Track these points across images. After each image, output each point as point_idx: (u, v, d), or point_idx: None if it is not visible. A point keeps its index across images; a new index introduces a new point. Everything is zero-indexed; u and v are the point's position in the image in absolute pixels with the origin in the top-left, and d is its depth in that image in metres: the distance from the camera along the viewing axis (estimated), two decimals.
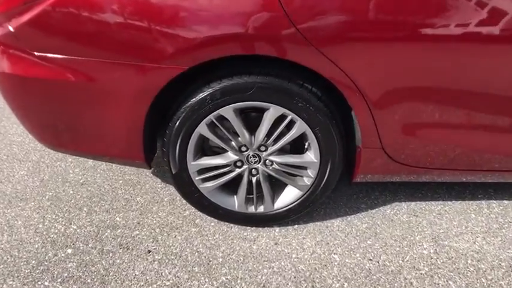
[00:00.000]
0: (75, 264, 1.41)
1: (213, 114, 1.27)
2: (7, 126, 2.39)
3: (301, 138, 1.38)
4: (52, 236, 1.54)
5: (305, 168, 1.43)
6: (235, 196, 1.49)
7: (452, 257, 1.45)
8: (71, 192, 1.79)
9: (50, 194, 1.78)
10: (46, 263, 1.42)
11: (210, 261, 1.41)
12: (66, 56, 1.21)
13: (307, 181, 1.44)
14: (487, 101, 1.24)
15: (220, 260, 1.42)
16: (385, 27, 1.12)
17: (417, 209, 1.70)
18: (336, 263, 1.41)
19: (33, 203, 1.72)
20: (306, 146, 1.41)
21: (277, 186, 1.50)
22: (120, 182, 1.84)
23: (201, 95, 1.24)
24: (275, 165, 1.41)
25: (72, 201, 1.73)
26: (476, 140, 1.35)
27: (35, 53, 1.24)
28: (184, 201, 1.70)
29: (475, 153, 1.39)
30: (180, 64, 1.16)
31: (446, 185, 1.84)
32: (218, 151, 1.45)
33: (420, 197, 1.77)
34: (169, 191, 1.77)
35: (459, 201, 1.75)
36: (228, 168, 1.41)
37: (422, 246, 1.50)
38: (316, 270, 1.38)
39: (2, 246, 1.50)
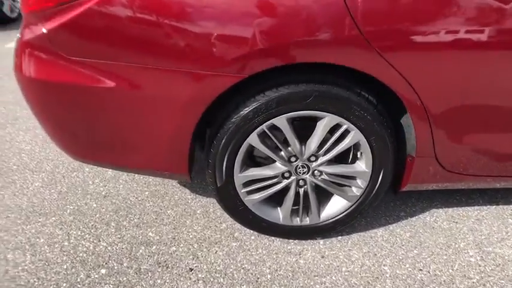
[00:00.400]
0: (111, 286, 1.31)
1: (265, 124, 1.20)
2: (13, 133, 2.23)
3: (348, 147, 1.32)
4: (81, 254, 1.43)
5: (354, 178, 1.37)
6: (279, 208, 1.42)
7: (499, 264, 1.43)
8: (94, 205, 1.67)
9: (71, 207, 1.66)
10: (79, 286, 1.31)
11: (258, 278, 1.34)
12: (108, 62, 1.11)
13: (356, 191, 1.38)
14: None
15: (269, 276, 1.34)
16: (448, 35, 1.08)
17: (455, 215, 1.67)
18: (387, 275, 1.37)
19: (54, 218, 1.60)
20: (357, 156, 1.35)
21: (322, 197, 1.44)
22: (147, 193, 1.74)
23: (255, 104, 1.16)
24: (324, 176, 1.35)
25: (97, 215, 1.61)
26: None
27: (71, 58, 1.13)
28: (218, 213, 1.62)
29: None
30: (240, 72, 1.07)
31: (479, 190, 1.83)
32: (262, 161, 1.37)
33: (456, 202, 1.75)
34: (200, 202, 1.68)
35: (494, 206, 1.73)
36: (275, 179, 1.34)
37: (468, 254, 1.47)
38: (369, 283, 1.33)
39: (26, 267, 1.37)
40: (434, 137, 1.26)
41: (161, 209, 1.64)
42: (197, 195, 1.72)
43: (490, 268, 1.41)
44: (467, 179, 1.42)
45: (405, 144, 1.35)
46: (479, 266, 1.42)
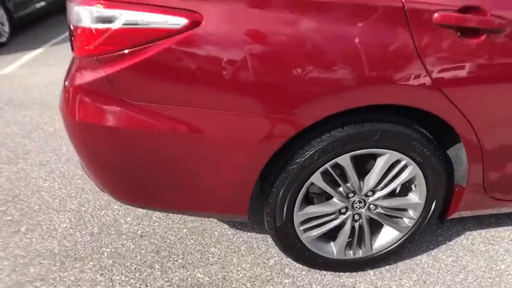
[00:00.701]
0: None
1: (329, 163, 1.20)
2: (27, 169, 2.12)
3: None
4: None
5: (406, 209, 1.40)
6: (332, 243, 1.42)
7: None
8: (132, 246, 1.60)
9: (108, 250, 1.58)
10: None
11: None
12: (176, 106, 1.08)
13: (408, 222, 1.41)
14: None
15: None
16: (504, 72, 1.14)
17: (489, 236, 1.73)
18: None
19: (92, 263, 1.52)
20: (410, 188, 1.38)
21: (373, 228, 1.45)
22: (185, 230, 1.69)
23: (321, 145, 1.16)
24: (379, 209, 1.37)
25: (138, 257, 1.55)
26: None
27: (135, 103, 1.09)
28: (263, 248, 1.59)
29: None
30: (314, 115, 1.08)
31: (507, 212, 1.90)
32: (315, 197, 1.37)
33: (487, 224, 1.81)
34: (242, 238, 1.65)
35: None
36: (333, 215, 1.34)
37: (511, 275, 1.52)
38: None
39: None
40: (484, 167, 1.31)
41: (204, 247, 1.60)
42: (237, 230, 1.69)
43: None
44: (509, 204, 1.48)
45: (453, 174, 1.39)
46: None
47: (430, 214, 1.39)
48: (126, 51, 1.03)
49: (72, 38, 1.15)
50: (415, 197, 1.36)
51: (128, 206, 1.82)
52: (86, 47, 1.07)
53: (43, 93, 3.18)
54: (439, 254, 1.62)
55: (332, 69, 1.03)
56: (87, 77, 1.11)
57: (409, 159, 1.25)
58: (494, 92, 1.16)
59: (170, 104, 1.08)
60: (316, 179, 1.23)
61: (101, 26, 1.03)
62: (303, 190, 1.24)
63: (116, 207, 1.82)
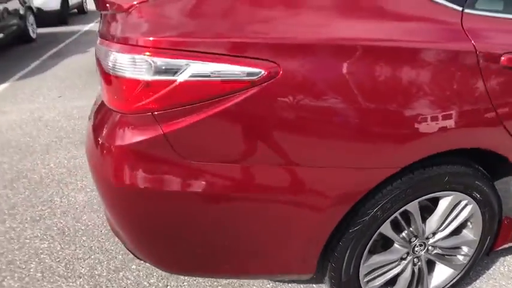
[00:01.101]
0: None
1: (399, 210, 1.14)
2: (17, 228, 1.84)
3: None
4: None
5: (460, 247, 1.36)
6: None
7: None
8: None
9: None
10: None
11: None
12: (244, 163, 0.96)
13: (463, 259, 1.37)
14: None
15: None
16: None
17: None
18: None
19: None
20: (465, 225, 1.35)
21: (428, 270, 1.40)
22: None
23: (394, 193, 1.09)
24: (437, 250, 1.32)
25: None
26: None
27: (195, 163, 0.96)
28: None
29: None
30: (394, 165, 1.01)
31: None
32: (374, 246, 1.30)
33: None
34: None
35: None
36: (396, 262, 1.27)
37: None
38: None
39: None
40: None
41: None
42: (277, 283, 1.56)
43: None
44: None
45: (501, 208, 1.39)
46: None
47: (483, 249, 1.36)
48: (191, 105, 0.91)
49: (108, 87, 1.00)
50: (470, 234, 1.33)
51: (147, 265, 1.63)
52: (140, 102, 0.93)
53: (18, 135, 2.86)
54: (483, 284, 1.60)
55: (420, 117, 0.98)
56: (139, 135, 0.96)
57: (470, 198, 1.23)
58: None
59: (240, 162, 0.96)
60: (385, 228, 1.16)
61: (163, 77, 0.89)
62: (371, 241, 1.16)
63: (133, 267, 1.62)
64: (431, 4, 1.00)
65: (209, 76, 0.88)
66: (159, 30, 0.90)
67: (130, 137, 0.97)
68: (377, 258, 1.24)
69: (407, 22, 0.98)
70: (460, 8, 1.01)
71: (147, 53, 0.89)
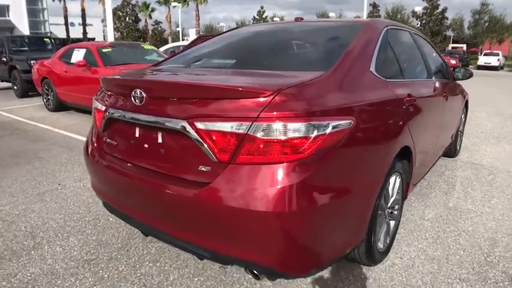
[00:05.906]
0: None
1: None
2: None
3: None
4: None
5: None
6: None
7: None
8: None
9: None
10: None
11: None
12: (346, 180, 1.67)
13: (397, 213, 2.38)
14: None
15: None
16: None
17: None
18: None
19: None
20: None
21: None
22: None
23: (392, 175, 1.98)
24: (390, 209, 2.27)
25: None
26: None
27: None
28: None
29: None
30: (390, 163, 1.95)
31: None
32: None
33: None
34: None
35: None
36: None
37: None
38: None
39: None
40: None
41: None
42: (276, 282, 1.96)
43: None
44: None
45: None
46: None
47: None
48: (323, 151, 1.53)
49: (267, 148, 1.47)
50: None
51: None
52: (297, 151, 1.47)
53: None
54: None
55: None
56: (302, 174, 1.48)
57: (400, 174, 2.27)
58: None
59: (344, 178, 1.64)
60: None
61: (320, 133, 1.51)
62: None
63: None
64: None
65: (337, 128, 1.55)
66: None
67: (297, 177, 1.49)
68: None
69: None
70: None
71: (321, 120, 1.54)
